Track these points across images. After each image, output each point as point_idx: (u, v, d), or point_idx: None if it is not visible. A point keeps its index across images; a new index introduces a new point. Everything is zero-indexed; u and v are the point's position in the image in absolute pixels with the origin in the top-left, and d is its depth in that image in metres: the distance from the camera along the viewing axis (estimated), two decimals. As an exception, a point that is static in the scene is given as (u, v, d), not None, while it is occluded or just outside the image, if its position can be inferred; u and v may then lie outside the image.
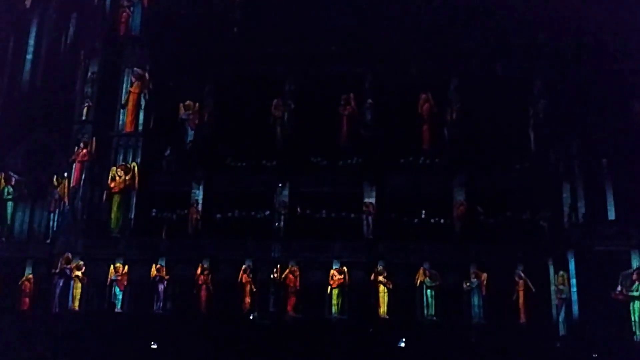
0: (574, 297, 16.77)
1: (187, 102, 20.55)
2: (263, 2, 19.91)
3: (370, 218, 19.52)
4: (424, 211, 19.51)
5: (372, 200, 19.62)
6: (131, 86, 19.88)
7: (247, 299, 18.59)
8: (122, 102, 19.86)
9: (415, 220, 19.48)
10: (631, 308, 16.04)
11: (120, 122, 19.95)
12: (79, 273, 18.52)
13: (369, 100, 20.32)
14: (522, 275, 18.07)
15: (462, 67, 20.13)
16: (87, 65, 19.71)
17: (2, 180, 19.80)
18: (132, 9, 20.68)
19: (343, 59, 20.49)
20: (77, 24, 19.55)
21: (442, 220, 19.46)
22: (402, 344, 16.56)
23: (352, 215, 19.67)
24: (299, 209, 19.76)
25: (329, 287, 18.70)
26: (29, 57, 21.03)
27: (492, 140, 19.41)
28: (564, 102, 18.23)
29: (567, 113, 18.09)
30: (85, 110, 19.49)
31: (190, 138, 20.49)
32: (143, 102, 20.03)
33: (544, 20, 18.26)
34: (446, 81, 20.15)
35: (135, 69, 19.86)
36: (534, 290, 17.88)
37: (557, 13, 18.29)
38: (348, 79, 20.58)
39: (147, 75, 19.86)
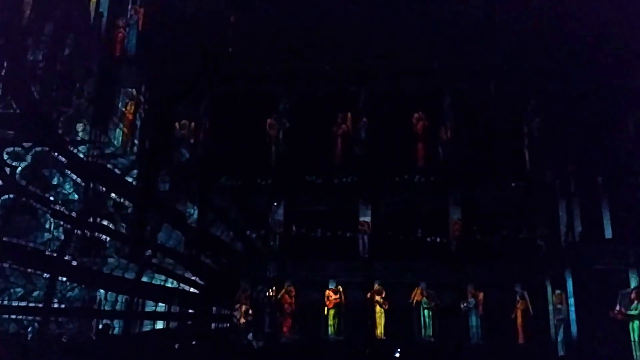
0: (572, 316, 16.67)
1: (183, 122, 20.54)
2: (257, 21, 19.96)
3: (366, 237, 19.43)
4: (420, 230, 19.44)
5: (368, 219, 19.55)
6: (125, 107, 19.86)
7: (242, 320, 18.46)
8: (117, 122, 19.84)
9: (411, 239, 19.38)
10: (630, 327, 15.91)
11: (116, 143, 19.88)
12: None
13: (364, 119, 20.33)
14: (523, 294, 17.94)
15: (455, 85, 20.18)
16: (82, 85, 19.66)
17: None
18: (127, 29, 20.73)
19: (337, 78, 20.57)
20: (73, 44, 19.55)
21: (438, 239, 19.36)
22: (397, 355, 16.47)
23: (348, 234, 19.58)
24: (294, 228, 19.67)
25: (326, 308, 18.59)
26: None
27: (487, 158, 19.37)
28: (558, 120, 18.23)
29: (562, 131, 18.10)
30: (80, 130, 19.42)
31: (185, 157, 20.45)
32: (138, 122, 19.99)
33: (536, 39, 18.28)
34: (440, 99, 20.20)
35: (128, 89, 19.86)
36: (531, 311, 17.75)
37: (550, 31, 18.32)
38: (342, 98, 20.60)
39: (141, 95, 19.87)
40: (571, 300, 16.88)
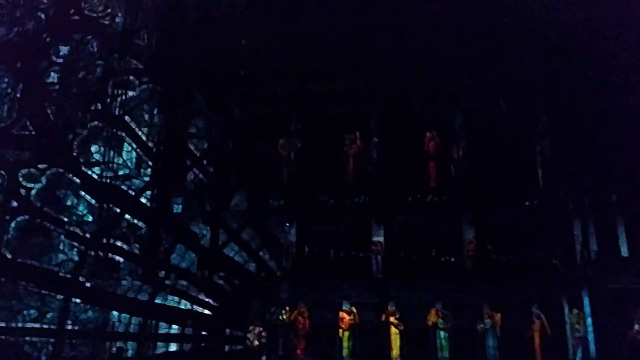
0: (590, 336, 16.45)
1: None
2: (267, 43, 20.18)
3: (379, 257, 19.31)
4: (434, 249, 19.34)
5: (381, 238, 19.45)
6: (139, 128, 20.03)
7: (256, 342, 18.36)
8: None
9: (425, 259, 19.26)
10: (649, 347, 15.72)
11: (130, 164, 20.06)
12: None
13: (375, 139, 20.38)
14: (539, 314, 17.73)
15: (465, 103, 20.24)
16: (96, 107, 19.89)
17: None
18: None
19: (348, 98, 20.65)
20: (87, 66, 19.82)
21: (452, 259, 19.23)
22: None
23: (361, 254, 19.49)
24: (306, 249, 19.61)
25: (340, 329, 18.42)
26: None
27: (500, 177, 19.32)
28: (570, 138, 18.22)
29: (574, 149, 18.07)
30: (95, 151, 19.61)
31: (198, 178, 20.53)
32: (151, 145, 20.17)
33: (548, 56, 18.37)
34: (451, 118, 20.26)
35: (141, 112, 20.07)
36: (549, 332, 17.53)
37: (560, 49, 18.40)
38: (353, 118, 20.67)
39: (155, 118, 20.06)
40: (589, 320, 16.69)
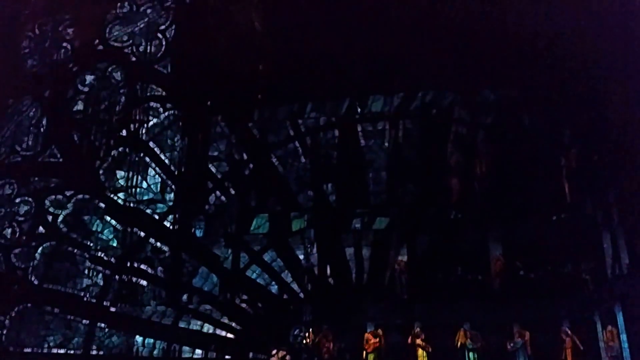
0: (626, 353, 15.72)
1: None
2: (284, 69, 20.48)
3: (403, 277, 18.99)
4: (459, 268, 18.93)
5: (404, 257, 19.17)
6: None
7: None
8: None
9: (451, 277, 18.86)
10: (689, 363, 14.95)
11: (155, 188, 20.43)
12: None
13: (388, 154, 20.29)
14: (569, 332, 17.10)
15: (487, 118, 20.05)
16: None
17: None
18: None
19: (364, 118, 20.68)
20: (111, 95, 20.41)
21: (479, 277, 18.78)
22: None
23: (385, 275, 19.21)
24: (328, 270, 19.43)
25: (365, 352, 18.06)
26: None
27: (526, 192, 18.93)
28: (596, 150, 17.85)
29: (600, 161, 17.68)
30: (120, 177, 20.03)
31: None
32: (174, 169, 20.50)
33: (567, 70, 18.20)
34: (473, 133, 20.07)
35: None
36: (582, 348, 16.87)
37: (581, 63, 18.21)
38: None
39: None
40: (623, 337, 15.97)
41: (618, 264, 16.65)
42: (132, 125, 19.56)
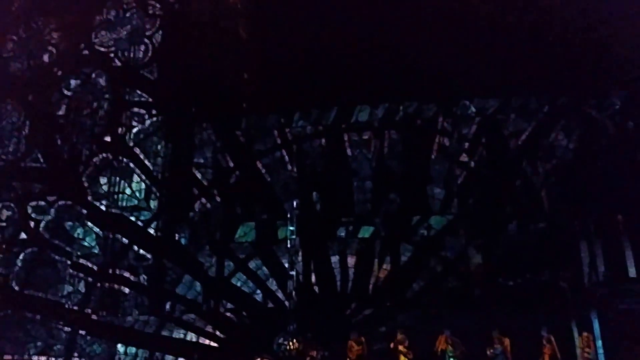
0: (601, 358, 16.23)
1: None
2: (269, 77, 20.56)
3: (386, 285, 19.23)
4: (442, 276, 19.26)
5: (388, 266, 19.41)
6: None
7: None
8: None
9: (433, 285, 19.18)
10: (662, 368, 15.53)
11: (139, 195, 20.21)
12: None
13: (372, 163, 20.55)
14: (549, 338, 17.51)
15: (468, 129, 20.44)
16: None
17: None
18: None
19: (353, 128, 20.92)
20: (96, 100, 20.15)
21: (460, 285, 19.14)
22: None
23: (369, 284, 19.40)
24: (313, 279, 19.55)
25: (348, 359, 18.18)
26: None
27: (504, 201, 19.42)
28: (573, 160, 18.40)
29: (577, 171, 18.22)
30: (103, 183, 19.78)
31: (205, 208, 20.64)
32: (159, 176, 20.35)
33: (542, 82, 18.72)
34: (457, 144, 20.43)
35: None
36: (559, 356, 17.31)
37: (553, 78, 18.73)
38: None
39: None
40: (599, 343, 16.48)
41: (595, 272, 17.18)
42: (118, 130, 19.36)
